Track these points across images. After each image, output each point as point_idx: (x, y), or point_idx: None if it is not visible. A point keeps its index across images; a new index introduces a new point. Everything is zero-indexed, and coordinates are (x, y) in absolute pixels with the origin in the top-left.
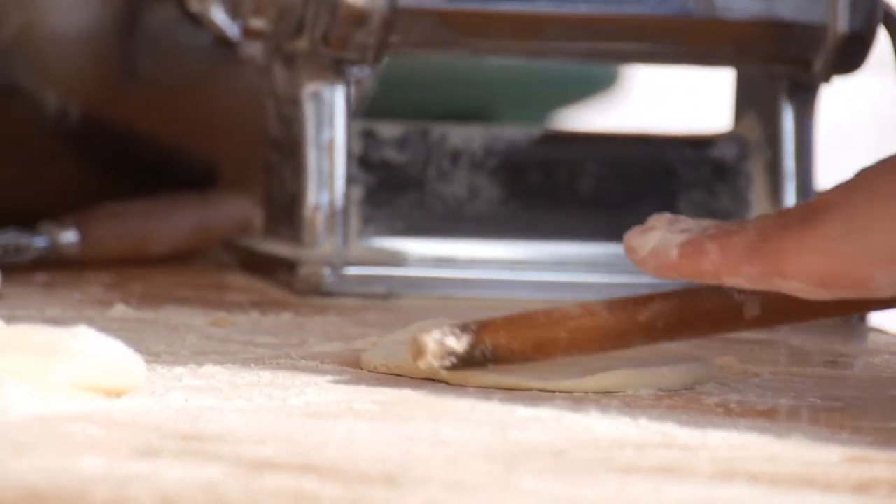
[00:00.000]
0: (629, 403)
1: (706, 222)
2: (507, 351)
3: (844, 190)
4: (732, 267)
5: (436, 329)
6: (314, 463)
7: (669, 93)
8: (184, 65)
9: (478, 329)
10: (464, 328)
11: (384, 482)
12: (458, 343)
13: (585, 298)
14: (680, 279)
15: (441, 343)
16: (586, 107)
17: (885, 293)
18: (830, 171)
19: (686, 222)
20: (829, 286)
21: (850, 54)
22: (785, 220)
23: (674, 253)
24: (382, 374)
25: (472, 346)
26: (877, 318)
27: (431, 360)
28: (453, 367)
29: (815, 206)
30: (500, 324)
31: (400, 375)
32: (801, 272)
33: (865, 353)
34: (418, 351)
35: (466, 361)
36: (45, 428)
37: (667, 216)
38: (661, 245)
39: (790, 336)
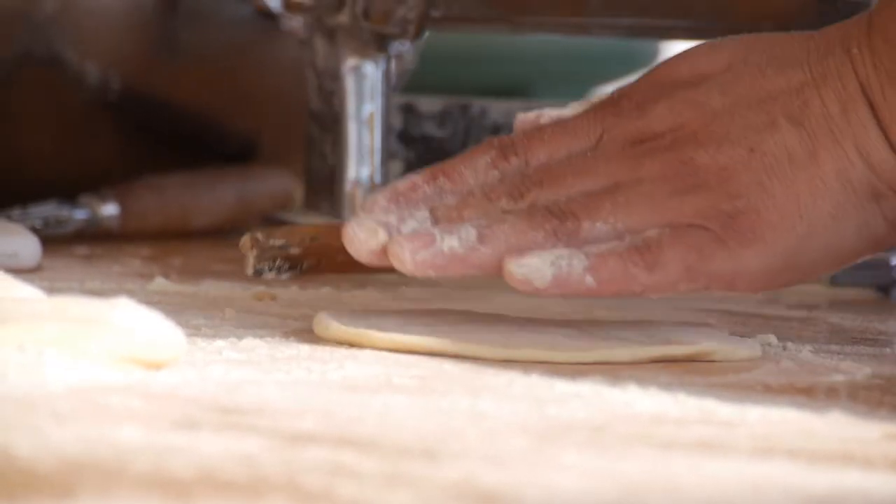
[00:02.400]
0: (669, 381)
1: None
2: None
3: (760, 193)
4: (667, 288)
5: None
6: (352, 436)
7: None
8: (225, 37)
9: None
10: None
11: (422, 456)
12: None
13: None
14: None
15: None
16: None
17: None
18: None
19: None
20: (779, 286)
21: None
22: (718, 240)
23: (589, 281)
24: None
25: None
26: None
27: (256, 264)
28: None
29: (744, 218)
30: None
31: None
32: (751, 287)
33: None
34: (243, 256)
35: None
36: (84, 399)
37: (530, 116)
38: (568, 272)
39: (829, 314)
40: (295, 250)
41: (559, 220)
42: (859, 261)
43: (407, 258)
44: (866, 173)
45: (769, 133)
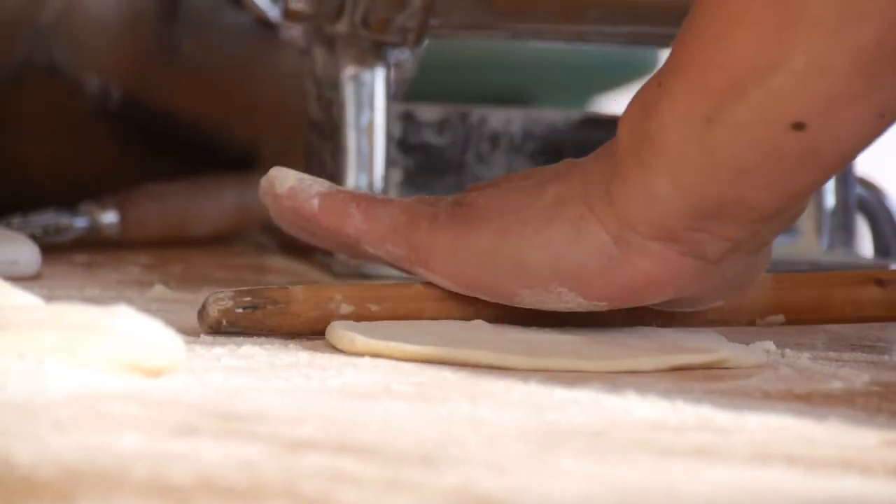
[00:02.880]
0: (668, 388)
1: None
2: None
3: (495, 200)
4: (376, 240)
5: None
6: (352, 443)
7: None
8: (224, 47)
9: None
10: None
11: (422, 462)
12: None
13: None
14: (315, 233)
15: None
16: (626, 92)
17: (525, 305)
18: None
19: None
20: (473, 289)
21: None
22: (434, 213)
23: (314, 203)
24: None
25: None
26: None
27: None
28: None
29: (465, 209)
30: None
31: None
32: (447, 272)
33: None
34: (201, 316)
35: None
36: (84, 406)
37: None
38: (301, 187)
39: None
40: (247, 299)
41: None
42: (550, 291)
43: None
44: (580, 202)
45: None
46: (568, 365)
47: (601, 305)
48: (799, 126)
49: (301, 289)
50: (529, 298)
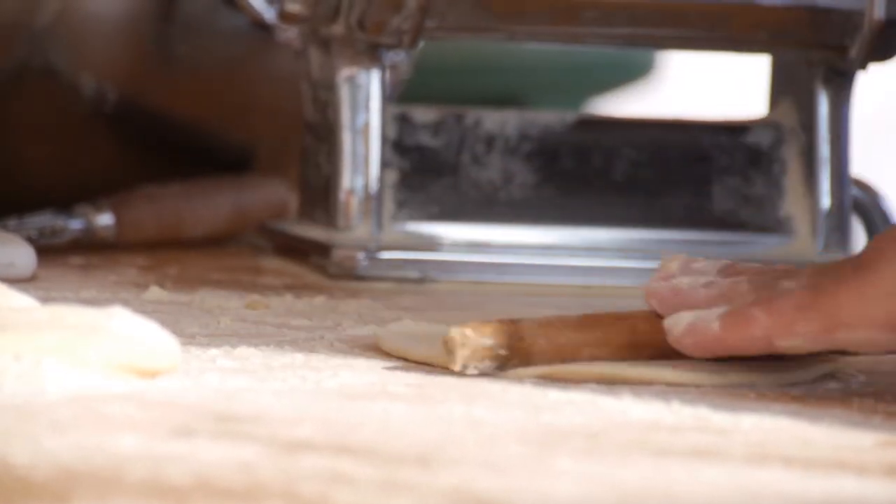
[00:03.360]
0: (663, 389)
1: (734, 269)
2: (541, 353)
3: (891, 239)
4: (786, 328)
5: (469, 329)
6: (349, 444)
7: (705, 79)
8: (220, 49)
9: (513, 330)
10: (499, 331)
11: (419, 463)
12: (492, 343)
13: (618, 283)
14: (723, 354)
15: (474, 343)
16: (621, 94)
17: None
18: (870, 158)
19: (701, 263)
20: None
21: (887, 41)
22: (836, 273)
23: (715, 326)
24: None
25: (508, 349)
26: None
27: (465, 361)
28: (487, 369)
29: (865, 257)
30: (538, 327)
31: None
32: (865, 320)
33: None
34: (450, 351)
35: (501, 363)
36: (81, 407)
37: (681, 257)
38: (700, 321)
39: None
40: (503, 352)
41: (766, 277)
42: None
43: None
44: None
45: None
46: (703, 380)
47: None
48: None
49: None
50: None
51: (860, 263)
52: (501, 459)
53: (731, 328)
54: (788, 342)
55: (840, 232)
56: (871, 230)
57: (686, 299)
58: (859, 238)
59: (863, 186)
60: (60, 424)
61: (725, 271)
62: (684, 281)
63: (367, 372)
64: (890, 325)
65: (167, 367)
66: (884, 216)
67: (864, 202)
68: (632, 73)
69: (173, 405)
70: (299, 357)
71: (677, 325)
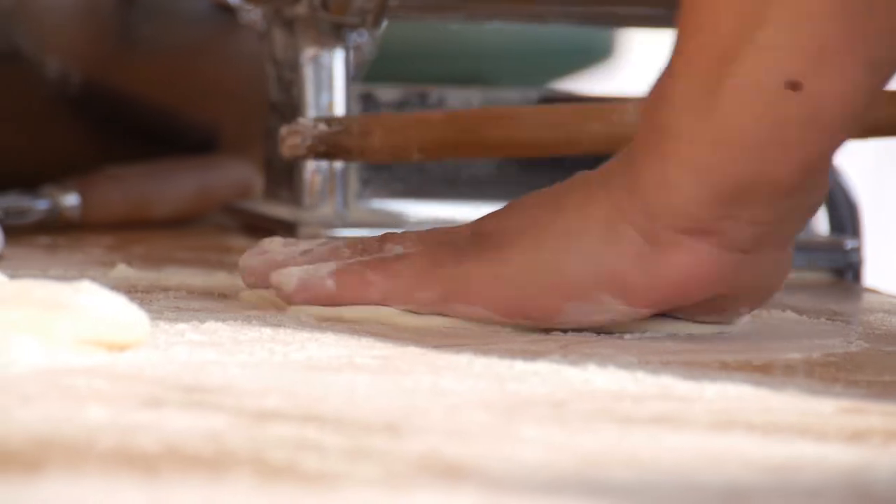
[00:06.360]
0: (628, 360)
1: (331, 242)
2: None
3: (518, 220)
4: (404, 294)
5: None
6: (316, 413)
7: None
8: (183, 31)
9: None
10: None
11: (386, 431)
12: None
13: None
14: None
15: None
16: (583, 77)
17: (570, 324)
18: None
19: (302, 244)
20: (515, 315)
21: None
22: (456, 248)
23: (329, 284)
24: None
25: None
26: (871, 280)
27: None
28: (312, 153)
29: (489, 235)
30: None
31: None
32: (488, 301)
33: (860, 311)
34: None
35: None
36: (50, 380)
37: (278, 239)
38: (309, 277)
39: (785, 296)
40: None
41: (369, 244)
42: (595, 301)
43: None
44: (605, 202)
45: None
46: None
47: (643, 312)
48: (794, 86)
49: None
50: (573, 312)
51: (483, 242)
52: (468, 427)
53: (347, 288)
54: (405, 307)
55: None
56: (831, 206)
57: (282, 267)
58: (819, 213)
59: None
60: (30, 397)
61: (326, 245)
62: (280, 251)
63: (335, 345)
64: (507, 310)
65: (136, 341)
66: (844, 192)
67: None
68: (593, 56)
69: (142, 378)
70: (267, 331)
71: (288, 281)
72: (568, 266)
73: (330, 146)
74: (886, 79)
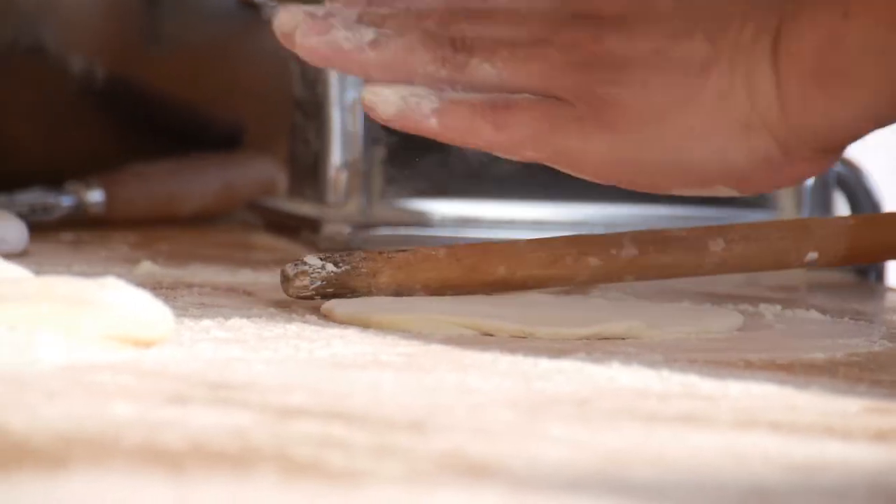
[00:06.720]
0: (653, 358)
1: (402, 19)
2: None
3: (644, 93)
4: (513, 149)
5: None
6: (341, 410)
7: None
8: (208, 27)
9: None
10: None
11: (410, 429)
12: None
13: None
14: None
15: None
16: None
17: (672, 193)
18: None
19: (364, 23)
20: (626, 185)
21: None
22: (578, 116)
23: (432, 122)
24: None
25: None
26: (894, 279)
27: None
28: (319, 294)
29: (613, 107)
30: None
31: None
32: (597, 172)
33: (884, 311)
34: (285, 279)
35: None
36: (75, 376)
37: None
38: (415, 109)
39: (809, 295)
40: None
41: (452, 50)
42: (709, 188)
43: (297, 38)
44: (745, 103)
45: (681, 40)
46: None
47: (750, 192)
48: None
49: (388, 269)
50: (684, 191)
51: (599, 112)
52: (492, 425)
53: (452, 130)
54: (512, 157)
55: (824, 207)
56: (854, 205)
57: (353, 62)
58: (843, 213)
59: (846, 163)
60: (55, 393)
61: (392, 38)
62: (342, 35)
63: (360, 342)
64: (617, 181)
65: (160, 337)
66: (866, 191)
67: (847, 178)
68: None
69: (167, 374)
70: (292, 328)
71: (385, 104)
72: (694, 159)
73: (338, 287)
74: None
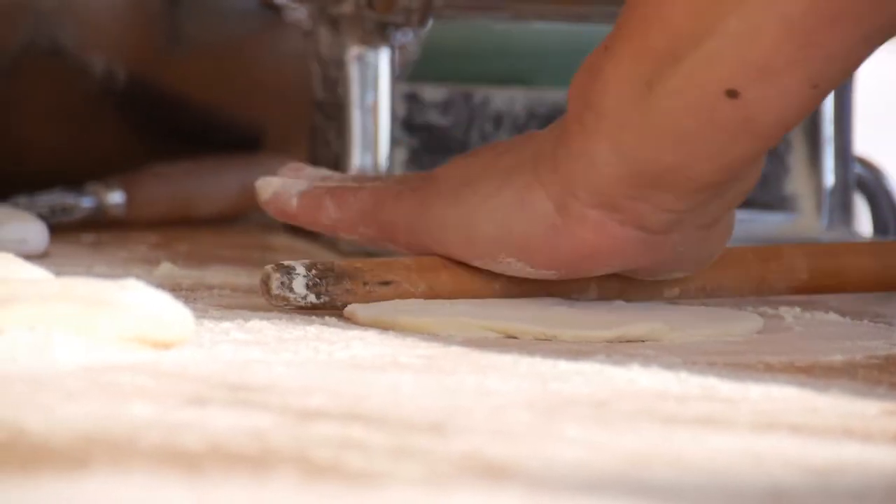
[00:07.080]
0: (672, 360)
1: (327, 172)
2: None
3: (455, 171)
4: (349, 227)
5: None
6: (360, 412)
7: None
8: (229, 28)
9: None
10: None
11: (430, 430)
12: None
13: None
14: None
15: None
16: None
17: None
18: (875, 137)
19: (309, 171)
20: (430, 252)
21: None
22: (399, 191)
23: (293, 202)
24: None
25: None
26: None
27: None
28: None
29: (428, 182)
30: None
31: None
32: (409, 244)
33: None
34: (265, 286)
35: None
36: (94, 377)
37: (293, 164)
38: (283, 191)
39: (829, 297)
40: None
41: (365, 180)
42: (497, 262)
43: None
44: (530, 171)
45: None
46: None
47: (550, 274)
48: (732, 93)
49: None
50: (479, 265)
51: (420, 191)
52: (511, 427)
53: (305, 210)
54: (350, 237)
55: (844, 209)
56: (874, 208)
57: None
58: (863, 215)
59: (867, 165)
60: (74, 394)
61: (346, 177)
62: (308, 175)
63: (379, 344)
64: (419, 254)
65: (180, 339)
66: (887, 194)
67: (867, 180)
68: None
69: (186, 375)
70: (311, 330)
71: (266, 189)
72: (476, 226)
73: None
74: (823, 96)
